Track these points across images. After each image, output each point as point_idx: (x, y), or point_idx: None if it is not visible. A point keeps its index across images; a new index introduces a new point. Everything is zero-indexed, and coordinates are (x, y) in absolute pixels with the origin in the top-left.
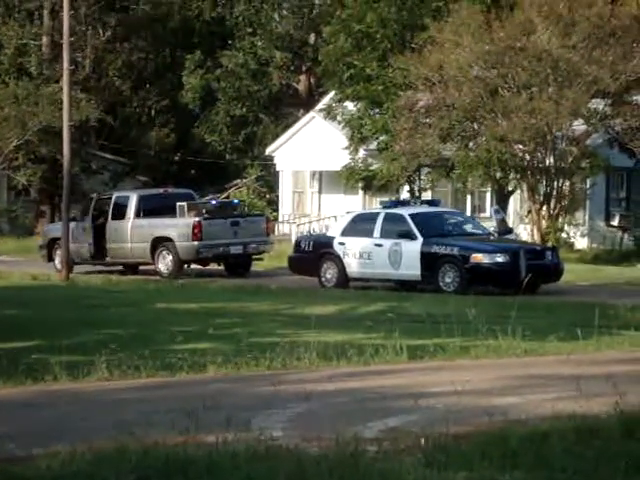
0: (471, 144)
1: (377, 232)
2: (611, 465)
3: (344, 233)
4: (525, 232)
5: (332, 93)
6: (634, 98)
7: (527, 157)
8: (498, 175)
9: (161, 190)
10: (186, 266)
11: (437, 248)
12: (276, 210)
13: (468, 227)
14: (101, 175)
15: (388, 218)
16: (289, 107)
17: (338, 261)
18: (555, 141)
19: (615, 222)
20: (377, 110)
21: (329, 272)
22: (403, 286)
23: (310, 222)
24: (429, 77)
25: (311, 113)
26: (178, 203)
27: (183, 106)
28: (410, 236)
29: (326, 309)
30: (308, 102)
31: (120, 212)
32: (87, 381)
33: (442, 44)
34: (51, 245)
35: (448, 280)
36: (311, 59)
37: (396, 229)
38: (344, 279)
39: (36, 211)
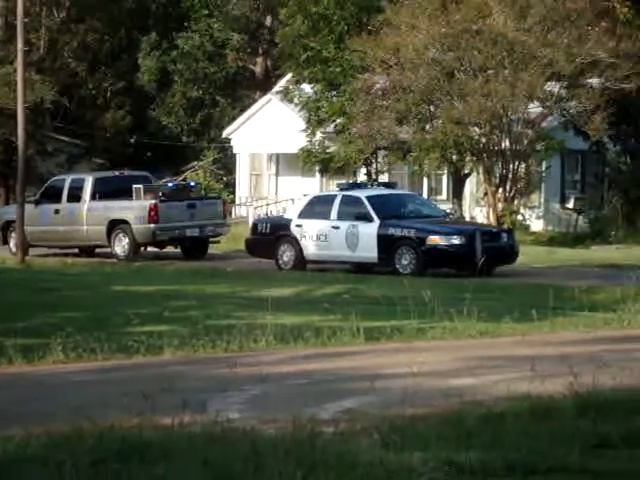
0: (427, 127)
1: (334, 214)
2: (565, 444)
3: (301, 215)
4: (481, 215)
5: (289, 75)
6: (589, 81)
7: (483, 140)
8: (454, 158)
9: (117, 172)
10: (142, 249)
11: (394, 230)
12: (233, 193)
13: (425, 209)
14: (57, 157)
15: (345, 200)
16: (246, 89)
17: (295, 243)
18: (511, 124)
19: (570, 204)
20: (334, 92)
21: (286, 254)
22: (360, 268)
23: (267, 205)
24: (386, 60)
25: (268, 95)
26: (134, 185)
27: (139, 88)
28: (367, 218)
29: (283, 291)
30: (265, 84)
31: (75, 195)
32: (42, 364)
33: (398, 26)
34: (6, 228)
35: (405, 262)
36: (268, 41)
37: (353, 211)
38: (301, 261)
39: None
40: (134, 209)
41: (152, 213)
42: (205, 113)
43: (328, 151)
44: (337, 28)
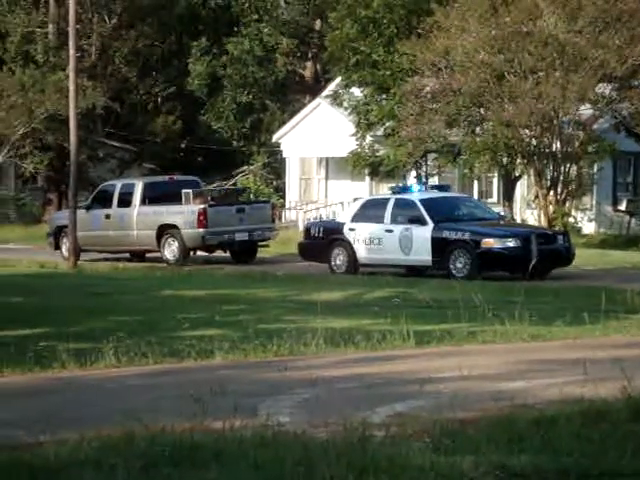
0: (478, 129)
1: (387, 218)
2: (618, 448)
3: (354, 219)
4: (532, 217)
5: (338, 79)
6: None
7: (534, 142)
8: (505, 160)
9: (167, 178)
10: (192, 253)
11: (448, 233)
12: (283, 197)
13: (478, 212)
14: (108, 163)
15: (398, 204)
16: (295, 94)
17: (348, 247)
18: (562, 126)
19: (622, 207)
20: (383, 96)
21: (339, 258)
22: (413, 272)
23: (317, 209)
24: (435, 62)
25: (317, 99)
26: (183, 190)
27: (189, 93)
28: (421, 221)
29: (333, 295)
30: (314, 88)
31: (126, 200)
32: (94, 368)
33: (448, 29)
34: (58, 233)
35: (459, 265)
36: (317, 45)
37: (407, 215)
38: (354, 265)
39: (43, 199)
40: (183, 214)
41: (201, 218)
42: (255, 118)
43: (377, 154)
44: (386, 31)
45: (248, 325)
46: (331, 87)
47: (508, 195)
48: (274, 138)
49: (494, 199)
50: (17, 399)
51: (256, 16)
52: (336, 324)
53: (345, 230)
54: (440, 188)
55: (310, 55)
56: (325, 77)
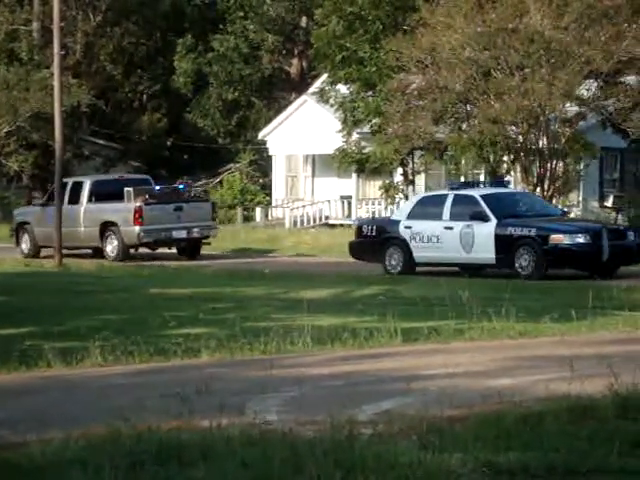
0: (464, 126)
1: (446, 214)
2: (605, 445)
3: (410, 216)
4: None
5: (324, 76)
6: (626, 79)
7: (520, 139)
8: (491, 157)
9: (116, 176)
10: (133, 250)
11: (513, 230)
12: (269, 194)
13: (540, 207)
14: (93, 161)
15: (458, 200)
16: (281, 91)
17: (404, 246)
18: (548, 122)
19: (609, 203)
20: (370, 93)
21: (394, 257)
22: (472, 271)
23: (304, 206)
24: (421, 59)
25: (303, 96)
26: (125, 188)
27: (175, 90)
28: (483, 218)
29: (320, 293)
30: (300, 85)
31: (75, 197)
32: (81, 367)
33: (434, 26)
34: (18, 229)
35: (524, 263)
36: (303, 42)
37: (467, 211)
38: (411, 264)
39: (28, 197)
40: (122, 212)
41: (137, 215)
42: (241, 115)
43: (364, 152)
44: (372, 28)
45: (235, 323)
46: (317, 84)
47: None
48: (260, 135)
49: None
50: (3, 398)
51: (242, 13)
52: (323, 322)
53: (400, 228)
54: (499, 183)
55: (296, 52)
56: (311, 74)
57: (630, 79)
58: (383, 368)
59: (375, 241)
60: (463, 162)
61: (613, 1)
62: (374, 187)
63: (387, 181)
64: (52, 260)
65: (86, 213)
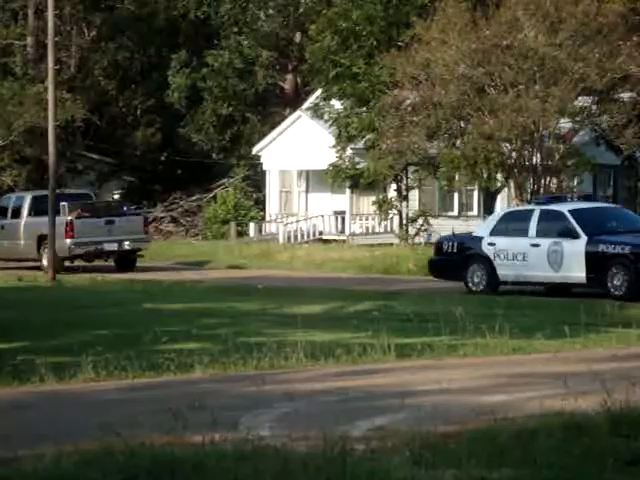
0: (458, 142)
1: (533, 231)
2: (598, 461)
3: (493, 232)
4: None
5: (318, 91)
6: (620, 95)
7: (514, 155)
8: (485, 173)
9: (58, 191)
10: (70, 262)
11: (604, 247)
12: (263, 210)
13: (631, 222)
14: (87, 175)
15: (545, 216)
16: (275, 106)
17: (487, 263)
18: (542, 139)
19: None
20: (364, 108)
21: (477, 275)
22: (555, 291)
23: (297, 221)
24: (415, 75)
25: (297, 112)
26: (61, 203)
27: (169, 106)
28: (572, 234)
29: (313, 308)
30: (294, 101)
31: (17, 211)
32: (73, 382)
33: (428, 42)
34: None
35: (617, 283)
36: (297, 58)
37: (555, 227)
38: (494, 283)
39: None
40: (57, 225)
41: (68, 229)
42: (235, 130)
43: (358, 167)
44: (367, 44)
45: (228, 338)
46: (311, 99)
47: (488, 208)
48: (254, 151)
49: (474, 212)
50: None
51: (236, 28)
52: (317, 337)
53: (483, 245)
54: (586, 198)
55: (290, 67)
56: (305, 89)
57: (624, 96)
58: (376, 384)
59: (456, 259)
60: (457, 178)
61: (607, 18)
62: (368, 202)
63: (381, 196)
64: (46, 274)
65: (25, 227)
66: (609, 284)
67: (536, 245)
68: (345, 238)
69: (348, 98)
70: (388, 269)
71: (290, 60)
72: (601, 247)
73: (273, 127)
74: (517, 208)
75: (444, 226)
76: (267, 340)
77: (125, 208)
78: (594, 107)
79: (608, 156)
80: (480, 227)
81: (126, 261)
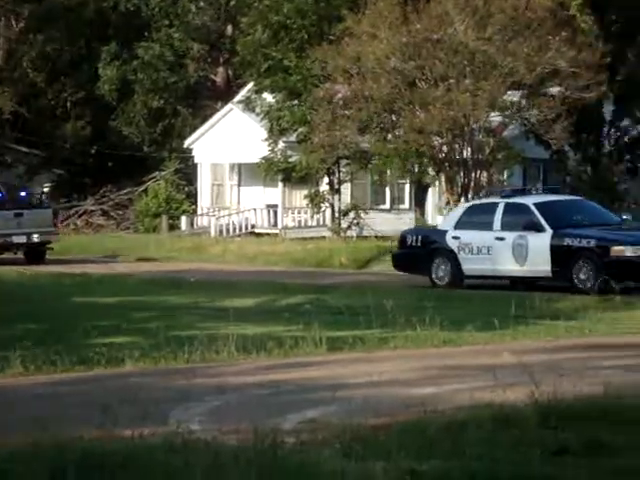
0: (389, 136)
1: (497, 224)
2: (527, 453)
3: (458, 226)
4: None
5: (250, 85)
6: (549, 90)
7: (445, 149)
8: (416, 167)
9: None
10: None
11: (570, 240)
12: (195, 203)
13: (597, 216)
14: (16, 168)
15: (509, 209)
16: (207, 99)
17: (452, 257)
18: (472, 133)
19: None
20: (295, 102)
21: (441, 269)
22: (520, 285)
23: (229, 215)
24: (347, 69)
25: (229, 105)
26: None
27: (99, 98)
28: (537, 228)
29: (245, 302)
30: (226, 94)
31: None
32: (1, 377)
33: (359, 36)
34: None
35: (583, 277)
36: (228, 50)
37: (520, 220)
38: (459, 277)
39: None
40: None
41: None
42: (166, 123)
43: (290, 160)
44: (298, 37)
45: (159, 332)
46: (243, 92)
47: (420, 201)
48: (186, 144)
49: (406, 205)
50: None
51: (167, 21)
52: (248, 331)
53: (448, 238)
54: (552, 190)
55: (222, 60)
56: (237, 82)
57: (553, 90)
58: (308, 377)
59: (420, 252)
60: (388, 172)
61: (536, 13)
62: (300, 196)
63: (313, 190)
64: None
65: None
66: (575, 278)
67: (501, 239)
68: (277, 232)
69: (280, 91)
70: (320, 262)
71: (221, 53)
72: (566, 241)
73: (205, 120)
74: (481, 201)
75: (375, 219)
76: (199, 333)
77: (26, 193)
78: (524, 101)
79: (537, 150)
80: (444, 220)
81: (35, 253)
